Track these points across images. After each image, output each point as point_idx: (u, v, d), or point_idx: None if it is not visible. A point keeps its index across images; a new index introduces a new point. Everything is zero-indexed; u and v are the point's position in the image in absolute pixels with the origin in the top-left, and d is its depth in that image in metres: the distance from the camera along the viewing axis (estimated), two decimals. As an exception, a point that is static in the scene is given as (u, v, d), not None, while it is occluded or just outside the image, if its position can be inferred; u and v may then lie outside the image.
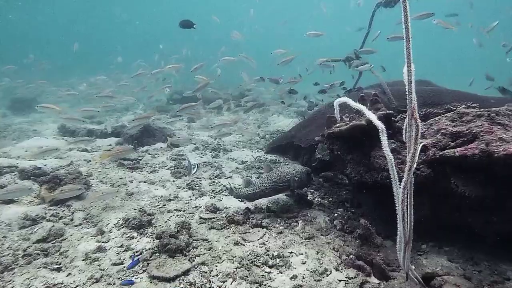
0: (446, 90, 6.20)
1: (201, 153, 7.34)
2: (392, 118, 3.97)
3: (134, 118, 6.92)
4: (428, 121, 4.16)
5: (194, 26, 7.21)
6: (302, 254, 3.60)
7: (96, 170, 6.03)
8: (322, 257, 3.57)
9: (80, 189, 4.55)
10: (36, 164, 5.99)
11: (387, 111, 3.77)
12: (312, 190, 5.35)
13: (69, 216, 4.43)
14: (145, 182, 5.63)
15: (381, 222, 4.34)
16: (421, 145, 2.74)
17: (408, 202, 2.59)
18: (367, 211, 4.68)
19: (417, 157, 2.52)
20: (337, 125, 4.18)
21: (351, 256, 3.49)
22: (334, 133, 4.11)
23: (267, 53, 8.86)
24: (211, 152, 7.52)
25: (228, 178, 5.82)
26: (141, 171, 6.10)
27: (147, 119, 7.39)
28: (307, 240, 3.89)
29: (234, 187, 4.85)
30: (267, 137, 9.31)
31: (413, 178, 2.59)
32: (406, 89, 2.40)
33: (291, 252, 3.62)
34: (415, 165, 2.54)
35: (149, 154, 7.12)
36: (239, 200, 4.92)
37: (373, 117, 2.91)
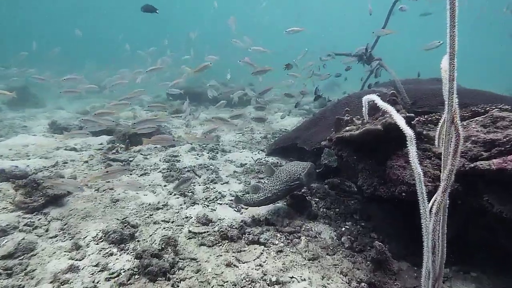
0: (465, 90, 5.63)
1: (198, 154, 6.83)
2: (412, 122, 3.42)
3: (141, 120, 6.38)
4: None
5: (156, 11, 7.15)
6: (305, 279, 3.08)
7: (81, 172, 5.54)
8: (328, 283, 3.05)
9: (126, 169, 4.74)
10: (17, 165, 5.52)
11: (407, 114, 3.23)
12: (317, 199, 4.82)
13: (45, 225, 3.96)
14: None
15: (396, 238, 3.82)
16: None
17: (441, 231, 2.06)
18: (379, 224, 4.15)
19: (453, 175, 1.99)
20: (347, 128, 3.65)
21: (363, 284, 2.97)
22: (344, 138, 3.58)
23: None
24: (208, 153, 7.01)
25: (224, 183, 5.30)
26: (131, 174, 5.61)
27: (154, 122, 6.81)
28: (311, 261, 3.37)
29: (242, 194, 4.57)
30: (269, 137, 8.78)
31: (448, 201, 2.06)
32: (445, 87, 1.87)
33: (292, 277, 3.11)
34: (450, 184, 2.01)
35: (142, 154, 6.62)
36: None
37: (402, 122, 2.38)
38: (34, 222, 3.99)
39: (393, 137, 3.29)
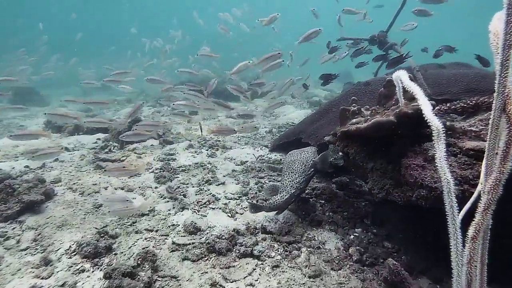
0: (493, 74, 4.95)
1: (196, 152, 6.35)
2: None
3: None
4: (480, 115, 3.02)
5: None
6: (303, 304, 2.57)
7: (68, 174, 5.14)
8: (331, 308, 2.53)
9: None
10: (2, 167, 5.17)
11: (436, 92, 2.64)
12: (322, 202, 4.27)
13: (18, 236, 3.56)
14: (122, 189, 4.71)
15: (414, 248, 3.26)
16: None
17: (481, 261, 1.51)
18: (393, 231, 3.60)
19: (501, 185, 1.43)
20: (354, 121, 3.09)
21: (373, 310, 2.44)
22: (350, 133, 3.02)
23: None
24: (207, 150, 6.52)
25: (220, 184, 4.80)
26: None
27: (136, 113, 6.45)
28: (311, 279, 2.84)
29: (257, 200, 4.10)
30: (274, 131, 8.23)
31: (490, 221, 1.50)
32: (496, 59, 1.31)
33: (289, 300, 2.60)
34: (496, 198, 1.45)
35: (136, 153, 6.19)
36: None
37: (429, 111, 1.83)
38: (6, 232, 3.61)
39: (409, 130, 2.72)
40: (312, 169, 3.78)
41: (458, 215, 1.79)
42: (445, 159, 1.83)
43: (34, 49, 16.10)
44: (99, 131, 7.55)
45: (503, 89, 1.36)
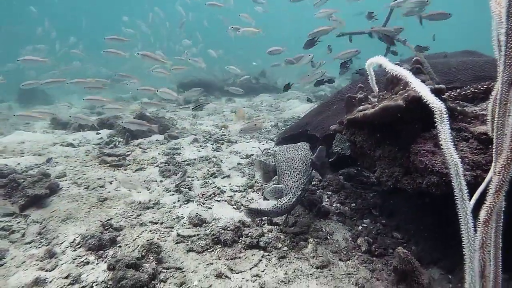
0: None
1: (201, 146, 6.31)
2: (443, 96, 2.74)
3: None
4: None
5: None
6: (311, 294, 2.51)
7: (73, 169, 5.13)
8: (340, 299, 2.47)
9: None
10: (7, 163, 5.17)
11: (437, 85, 2.56)
12: (329, 193, 4.20)
13: (23, 229, 3.54)
14: (127, 183, 4.67)
15: (424, 238, 3.18)
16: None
17: (495, 246, 1.43)
18: (403, 221, 3.51)
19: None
20: (361, 108, 3.00)
21: (384, 300, 2.37)
22: (357, 120, 2.94)
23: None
24: (212, 144, 6.47)
25: (225, 177, 4.75)
26: (125, 169, 5.15)
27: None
28: (319, 270, 2.78)
29: (261, 207, 3.48)
30: (280, 125, 8.15)
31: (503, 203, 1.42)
32: (501, 33, 1.23)
33: (296, 291, 2.54)
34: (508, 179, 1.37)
35: (141, 148, 6.16)
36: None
37: (425, 90, 1.75)
38: (12, 226, 3.60)
39: (419, 115, 2.63)
40: (312, 167, 3.48)
41: (468, 198, 1.71)
42: (450, 140, 1.76)
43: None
44: (104, 127, 7.53)
45: (510, 61, 1.26)
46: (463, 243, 1.70)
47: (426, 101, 1.84)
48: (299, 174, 3.26)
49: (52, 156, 5.64)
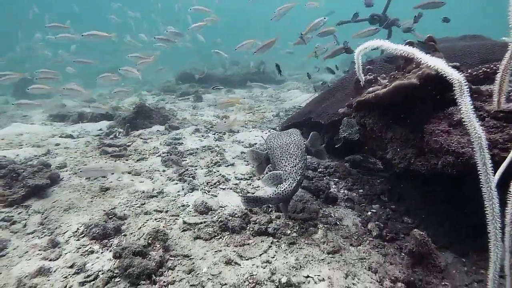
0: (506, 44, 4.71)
1: (202, 136, 6.21)
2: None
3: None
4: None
5: None
6: (324, 279, 2.44)
7: (73, 160, 5.03)
8: (353, 283, 2.40)
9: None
10: (6, 154, 5.07)
11: (452, 63, 2.46)
12: (336, 180, 4.13)
13: (24, 220, 3.46)
14: (129, 173, 4.57)
15: (434, 223, 3.12)
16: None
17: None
18: (412, 207, 3.45)
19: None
20: (371, 89, 2.91)
21: (399, 284, 2.30)
22: (367, 101, 2.85)
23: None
24: (214, 134, 6.38)
25: (229, 165, 4.67)
26: (127, 160, 5.05)
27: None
28: (330, 255, 2.71)
29: (257, 194, 3.20)
30: (281, 115, 8.06)
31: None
32: None
33: (308, 276, 2.47)
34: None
35: (141, 138, 6.06)
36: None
37: (442, 64, 1.66)
38: (13, 216, 3.51)
39: (432, 94, 2.55)
40: (306, 153, 3.33)
41: (492, 173, 1.64)
42: (472, 113, 1.68)
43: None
44: (102, 119, 7.42)
45: None
46: (487, 219, 1.64)
47: (444, 75, 1.76)
48: (296, 159, 3.09)
49: (51, 148, 5.54)
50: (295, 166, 3.02)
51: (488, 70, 3.11)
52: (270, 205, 3.36)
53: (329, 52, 6.72)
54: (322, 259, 2.65)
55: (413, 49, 2.04)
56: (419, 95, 2.48)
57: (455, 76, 1.59)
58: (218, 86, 8.85)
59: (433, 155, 2.48)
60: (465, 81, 1.58)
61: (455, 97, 1.64)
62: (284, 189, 2.86)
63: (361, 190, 3.86)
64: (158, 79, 16.18)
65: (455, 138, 2.35)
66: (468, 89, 1.58)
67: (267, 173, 3.24)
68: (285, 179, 2.94)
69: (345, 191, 3.86)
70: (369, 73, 3.11)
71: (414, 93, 2.45)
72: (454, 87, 1.61)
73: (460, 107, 1.61)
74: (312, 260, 2.64)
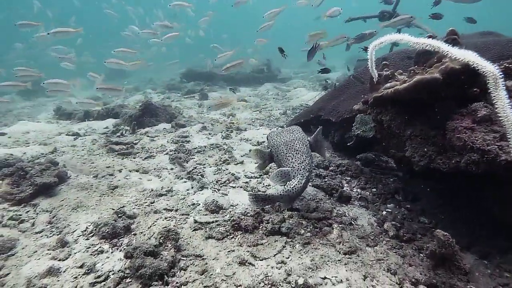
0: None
1: (209, 133, 6.14)
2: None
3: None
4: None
5: None
6: (341, 281, 2.36)
7: (80, 158, 4.98)
8: (373, 285, 2.32)
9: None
10: (13, 152, 5.03)
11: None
12: (348, 178, 4.04)
13: (32, 219, 3.41)
14: (137, 171, 4.52)
15: (452, 223, 3.03)
16: None
17: None
18: (428, 206, 3.36)
19: None
20: (388, 85, 2.82)
21: (421, 286, 2.22)
22: (385, 97, 2.76)
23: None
24: (221, 132, 6.30)
25: (238, 164, 4.59)
26: (134, 158, 4.99)
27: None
28: (347, 256, 2.63)
29: (268, 193, 3.03)
30: (288, 112, 7.97)
31: None
32: None
33: (325, 278, 2.39)
34: None
35: (148, 136, 6.00)
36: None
37: (473, 56, 1.58)
38: (21, 215, 3.46)
39: (454, 90, 2.45)
40: (310, 149, 3.23)
41: None
42: (508, 107, 1.59)
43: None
44: (108, 116, 7.38)
45: None
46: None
47: (477, 68, 1.67)
48: (302, 155, 2.99)
49: (57, 146, 5.49)
50: (302, 163, 2.94)
51: (510, 65, 3.00)
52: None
53: (332, 40, 6.64)
54: (339, 260, 2.57)
55: (438, 42, 1.96)
56: (441, 90, 2.39)
57: (490, 69, 1.50)
58: (232, 88, 8.71)
59: (456, 153, 2.38)
60: (501, 74, 1.49)
61: (489, 91, 1.55)
62: (294, 186, 2.79)
63: (374, 189, 3.77)
64: (161, 77, 16.13)
65: (480, 135, 2.25)
66: (503, 83, 1.49)
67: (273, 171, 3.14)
68: (294, 176, 2.86)
69: (358, 190, 3.77)
70: (386, 69, 3.02)
71: (436, 88, 2.36)
72: (488, 80, 1.52)
73: (494, 101, 1.53)
74: (328, 260, 2.56)
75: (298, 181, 2.81)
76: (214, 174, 4.26)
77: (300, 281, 2.31)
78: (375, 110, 3.03)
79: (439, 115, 2.52)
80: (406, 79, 2.66)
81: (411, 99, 2.57)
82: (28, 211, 3.54)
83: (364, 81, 4.63)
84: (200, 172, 4.31)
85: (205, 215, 3.27)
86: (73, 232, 3.14)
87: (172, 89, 12.54)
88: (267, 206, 3.22)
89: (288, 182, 2.83)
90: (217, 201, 3.38)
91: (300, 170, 2.89)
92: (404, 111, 2.74)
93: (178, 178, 4.25)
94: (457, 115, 2.46)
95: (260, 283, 2.34)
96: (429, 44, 2.04)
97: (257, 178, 4.13)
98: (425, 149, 2.58)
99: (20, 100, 12.84)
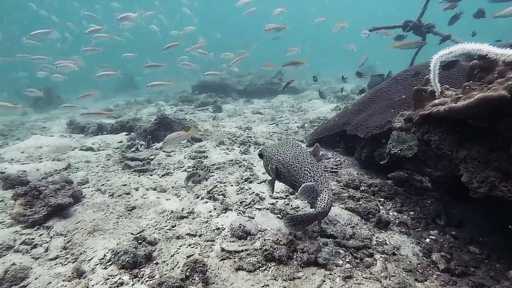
0: None
1: (227, 149, 5.91)
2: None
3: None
4: None
5: None
6: (396, 326, 2.06)
7: (95, 175, 4.77)
8: (432, 332, 2.02)
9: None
10: (25, 169, 4.86)
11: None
12: (382, 199, 3.75)
13: (46, 243, 3.18)
14: (154, 189, 4.29)
15: (506, 254, 2.71)
16: None
17: None
18: (476, 233, 3.04)
19: None
20: (437, 101, 2.56)
21: (492, 336, 1.91)
22: (434, 115, 2.49)
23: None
24: (239, 146, 6.07)
25: (261, 182, 4.34)
26: (151, 175, 4.77)
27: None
28: (397, 293, 2.33)
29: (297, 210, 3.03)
30: (306, 126, 7.72)
31: None
32: None
33: (375, 321, 2.10)
34: None
35: (164, 151, 5.79)
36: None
37: None
38: (34, 239, 3.24)
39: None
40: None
41: None
42: None
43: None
44: (122, 130, 7.21)
45: None
46: None
47: None
48: (318, 168, 2.81)
49: (71, 162, 5.31)
50: (321, 176, 2.74)
51: None
52: (316, 227, 3.02)
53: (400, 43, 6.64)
54: (388, 299, 2.28)
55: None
56: (506, 108, 2.12)
57: None
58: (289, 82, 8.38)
59: (524, 179, 2.10)
60: None
61: None
62: (327, 200, 2.59)
63: (412, 212, 3.48)
64: (172, 88, 16.01)
65: (555, 160, 1.97)
66: None
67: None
68: (321, 190, 2.66)
69: (395, 213, 3.48)
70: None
71: (502, 106, 2.09)
72: None
73: None
74: (376, 300, 2.28)
75: (328, 194, 2.63)
76: (237, 194, 4.01)
77: (349, 325, 2.02)
78: (421, 129, 2.76)
79: (502, 135, 2.24)
80: (459, 95, 2.40)
81: (470, 117, 2.30)
82: (41, 235, 3.32)
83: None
84: (221, 192, 4.06)
85: (233, 242, 3.00)
86: (90, 260, 2.90)
87: (185, 101, 12.40)
88: (299, 231, 2.95)
89: (318, 198, 2.62)
90: (244, 226, 3.11)
91: (324, 183, 2.70)
92: (457, 131, 2.46)
93: (198, 198, 4.01)
94: (523, 136, 2.18)
95: (302, 327, 2.06)
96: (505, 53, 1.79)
97: (284, 199, 3.86)
98: (485, 174, 2.29)
99: (32, 113, 12.84)
